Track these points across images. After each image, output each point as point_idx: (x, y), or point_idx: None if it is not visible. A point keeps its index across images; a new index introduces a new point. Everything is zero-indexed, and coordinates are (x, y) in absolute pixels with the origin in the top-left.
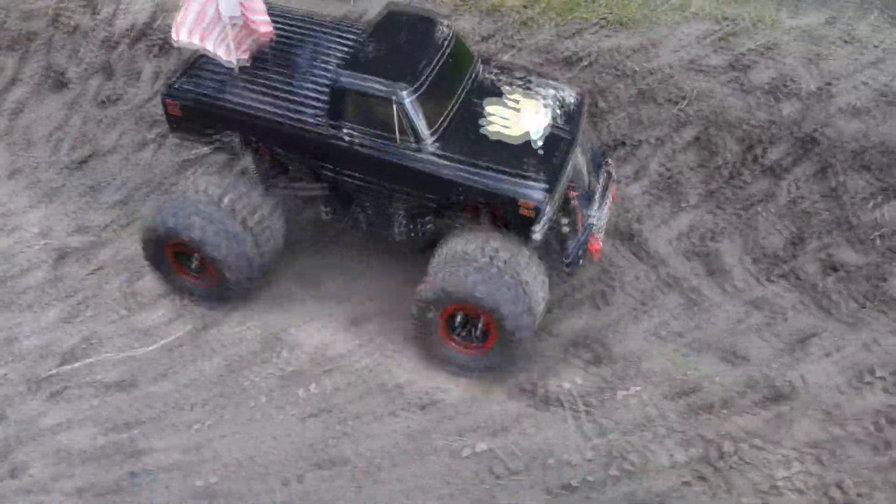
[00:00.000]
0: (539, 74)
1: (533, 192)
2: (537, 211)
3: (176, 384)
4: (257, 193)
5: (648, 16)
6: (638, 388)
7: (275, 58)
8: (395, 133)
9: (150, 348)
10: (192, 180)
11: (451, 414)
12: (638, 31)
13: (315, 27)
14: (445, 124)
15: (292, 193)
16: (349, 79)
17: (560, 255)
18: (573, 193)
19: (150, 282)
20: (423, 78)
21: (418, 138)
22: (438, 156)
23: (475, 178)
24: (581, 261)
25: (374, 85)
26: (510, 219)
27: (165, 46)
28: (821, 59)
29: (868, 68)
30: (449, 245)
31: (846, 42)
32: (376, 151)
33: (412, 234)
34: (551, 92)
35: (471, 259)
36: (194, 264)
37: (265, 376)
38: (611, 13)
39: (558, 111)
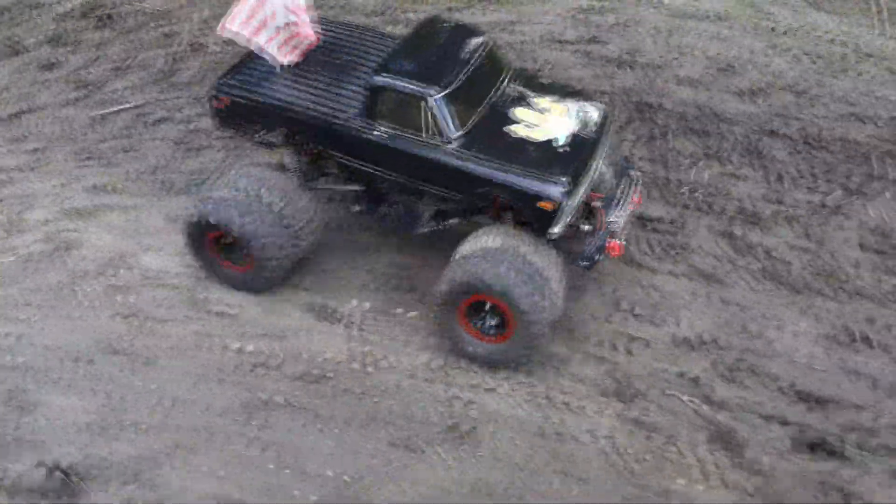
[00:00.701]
0: (567, 88)
1: (553, 189)
2: (556, 208)
3: (21, 288)
4: (295, 190)
5: None
6: (416, 313)
7: (320, 60)
8: (423, 131)
9: (10, 259)
10: (234, 174)
11: (242, 322)
12: (514, 6)
13: (359, 34)
14: (472, 124)
15: (329, 191)
16: (384, 79)
17: (578, 254)
18: (597, 199)
19: (36, 213)
20: (453, 80)
21: (445, 136)
22: (463, 152)
23: (497, 173)
24: (599, 259)
25: (407, 86)
26: (530, 215)
27: (107, 20)
28: (671, 34)
29: (713, 41)
30: (472, 240)
31: (702, 19)
32: (406, 147)
33: (436, 231)
34: (578, 103)
35: (492, 252)
36: (235, 255)
37: (96, 287)
38: None
39: (584, 119)
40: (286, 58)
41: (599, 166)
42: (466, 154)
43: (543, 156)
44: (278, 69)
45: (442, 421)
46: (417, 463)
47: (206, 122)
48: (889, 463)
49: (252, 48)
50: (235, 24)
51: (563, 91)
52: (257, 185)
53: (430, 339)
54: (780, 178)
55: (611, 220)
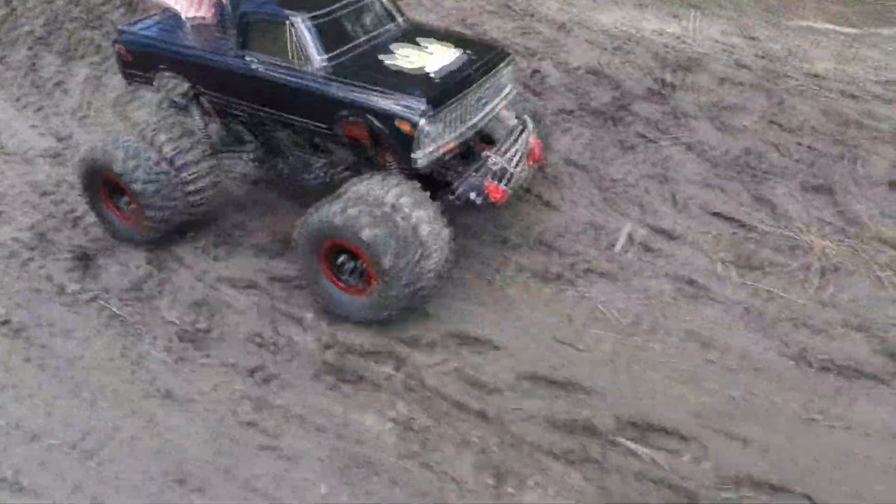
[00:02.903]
0: (466, 36)
1: (412, 108)
2: (415, 128)
3: None
4: (193, 139)
5: None
6: None
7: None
8: (290, 56)
9: None
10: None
11: None
12: None
13: None
14: (344, 53)
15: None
16: (252, 6)
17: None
18: (486, 149)
19: None
20: (323, 7)
21: (310, 61)
22: (329, 77)
23: (357, 95)
24: (473, 200)
25: (274, 10)
26: (393, 143)
27: None
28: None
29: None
30: (348, 188)
31: None
32: (275, 76)
33: (328, 181)
34: (471, 46)
35: (357, 196)
36: (123, 201)
37: None
38: None
39: (473, 59)
40: (194, 12)
41: (486, 111)
42: (331, 78)
43: (409, 82)
44: (185, 22)
45: None
46: None
47: None
48: None
49: (161, 4)
50: None
51: (459, 37)
52: (153, 128)
53: None
54: None
55: (492, 161)
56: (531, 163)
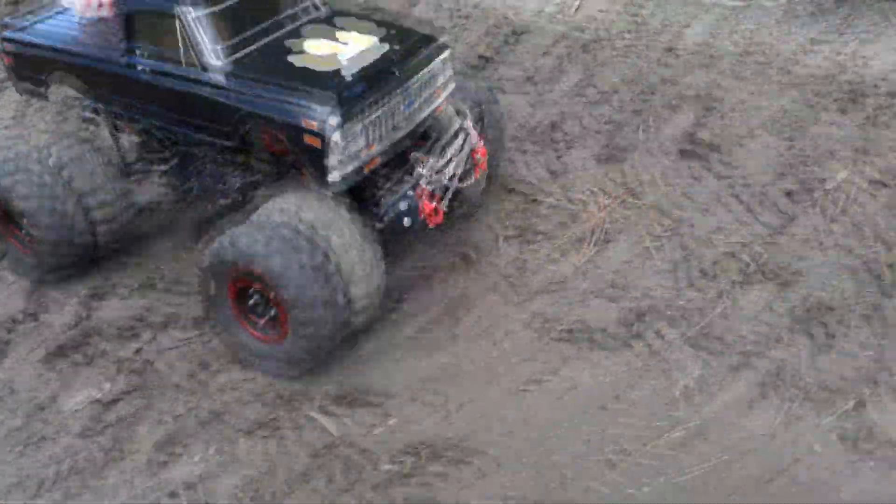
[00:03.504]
0: (393, 21)
1: (319, 113)
2: (323, 139)
3: None
4: (93, 158)
5: None
6: None
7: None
8: (182, 58)
9: None
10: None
11: None
12: None
13: None
14: (244, 53)
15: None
16: (137, 1)
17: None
18: (417, 154)
19: None
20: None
21: (203, 63)
22: (225, 81)
23: (256, 102)
24: (407, 228)
25: (159, 3)
26: (302, 159)
27: None
28: None
29: None
30: (261, 210)
31: None
32: (164, 81)
33: (241, 201)
34: (397, 33)
35: (262, 218)
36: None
37: None
38: None
39: (398, 50)
40: (88, 8)
41: (420, 114)
42: (228, 83)
43: (318, 83)
44: (79, 20)
45: None
46: None
47: None
48: None
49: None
50: None
51: (387, 26)
52: (47, 143)
53: None
54: None
55: (421, 177)
56: (475, 175)
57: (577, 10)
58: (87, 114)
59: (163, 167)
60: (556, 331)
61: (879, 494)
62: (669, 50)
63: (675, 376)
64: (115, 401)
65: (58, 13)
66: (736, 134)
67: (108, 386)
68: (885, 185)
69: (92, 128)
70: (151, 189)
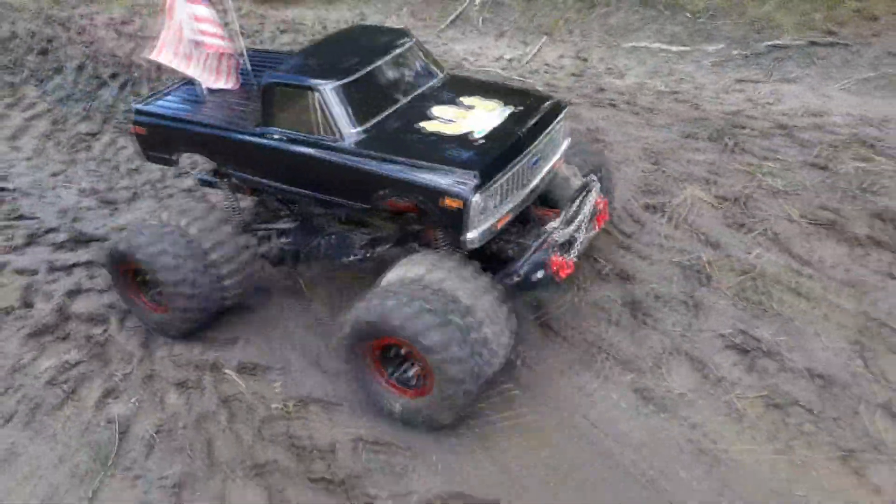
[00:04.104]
0: (513, 86)
1: (456, 181)
2: (464, 204)
3: None
4: (225, 227)
5: None
6: None
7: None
8: (316, 129)
9: None
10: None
11: None
12: None
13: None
14: (377, 122)
15: (269, 232)
16: (274, 77)
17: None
18: (545, 213)
19: None
20: (351, 73)
21: (339, 133)
22: (359, 150)
23: (394, 170)
24: (535, 279)
25: (296, 79)
26: (439, 221)
27: None
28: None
29: None
30: (392, 271)
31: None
32: (301, 151)
33: (366, 259)
34: (519, 97)
35: (405, 284)
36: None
37: None
38: None
39: (523, 115)
40: (214, 82)
41: (543, 172)
42: (363, 152)
43: (452, 150)
44: (204, 94)
45: None
46: None
47: None
48: None
49: (184, 73)
50: (164, 55)
51: (505, 90)
52: (179, 216)
53: None
54: None
55: (554, 231)
56: (597, 226)
57: (533, 57)
58: (206, 176)
59: (283, 225)
60: None
61: (652, 430)
62: (601, 90)
63: (520, 348)
64: (79, 362)
65: (184, 86)
66: (613, 160)
67: (74, 353)
68: (725, 200)
69: (207, 189)
70: (273, 245)
